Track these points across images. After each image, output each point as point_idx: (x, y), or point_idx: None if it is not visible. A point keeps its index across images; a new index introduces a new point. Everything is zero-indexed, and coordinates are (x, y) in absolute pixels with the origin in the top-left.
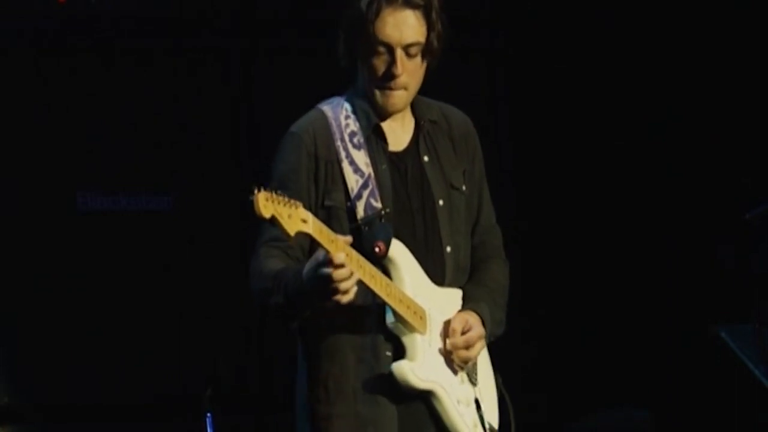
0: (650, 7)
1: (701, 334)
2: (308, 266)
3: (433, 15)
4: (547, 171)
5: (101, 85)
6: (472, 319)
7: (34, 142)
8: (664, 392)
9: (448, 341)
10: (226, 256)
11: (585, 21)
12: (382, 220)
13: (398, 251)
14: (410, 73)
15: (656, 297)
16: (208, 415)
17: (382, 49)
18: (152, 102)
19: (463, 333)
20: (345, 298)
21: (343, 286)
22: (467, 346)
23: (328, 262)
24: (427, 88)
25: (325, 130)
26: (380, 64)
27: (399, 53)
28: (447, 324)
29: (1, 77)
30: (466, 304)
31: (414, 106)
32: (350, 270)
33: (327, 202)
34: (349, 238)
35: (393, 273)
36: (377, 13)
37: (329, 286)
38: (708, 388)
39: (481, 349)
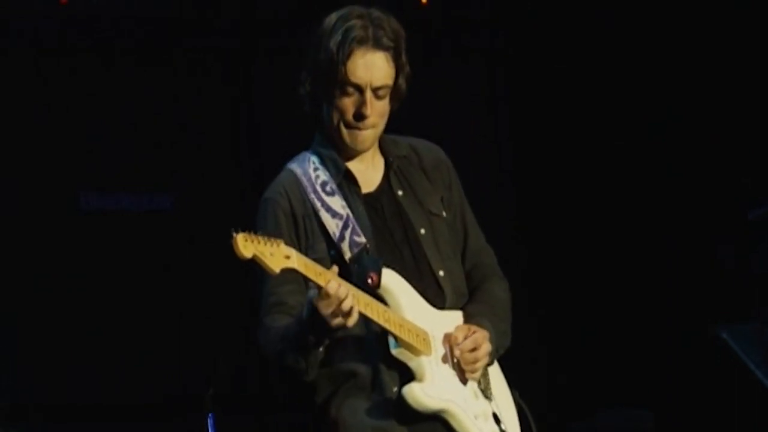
0: (650, 7)
1: (702, 335)
2: (306, 308)
3: (403, 57)
4: (547, 171)
5: (101, 85)
6: (474, 327)
7: (34, 142)
8: (665, 392)
9: (454, 350)
10: (226, 256)
11: (585, 21)
12: (368, 253)
13: (391, 279)
14: (378, 113)
15: (657, 297)
16: (210, 415)
17: (351, 90)
18: (152, 102)
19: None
20: (351, 321)
21: (344, 305)
22: (474, 348)
23: (323, 294)
24: (429, 89)
25: (296, 187)
26: (349, 105)
27: (369, 95)
28: (449, 338)
29: (1, 77)
30: (467, 321)
31: (381, 145)
32: (346, 289)
33: (312, 255)
34: (335, 268)
35: (390, 301)
36: (349, 55)
37: (331, 311)
38: (709, 389)
39: (488, 351)
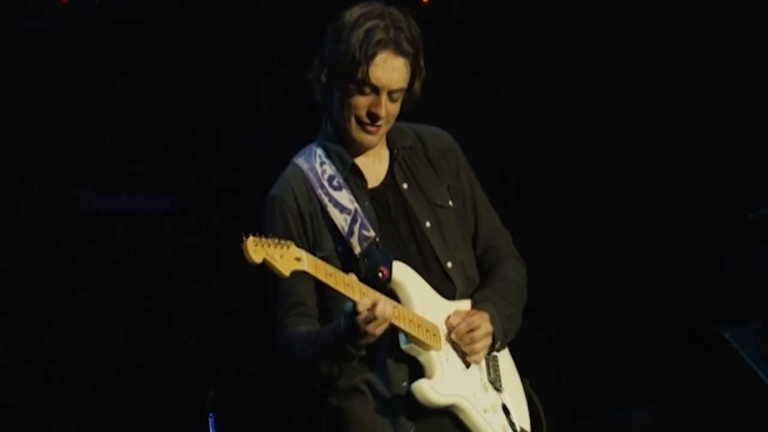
0: (653, 6)
1: (704, 334)
2: (342, 320)
3: (421, 63)
4: (549, 170)
5: (101, 85)
6: (473, 311)
7: (35, 142)
8: (667, 391)
9: (452, 334)
10: (226, 256)
11: (587, 19)
12: (378, 247)
13: (402, 272)
14: (390, 114)
15: (660, 297)
16: (211, 415)
17: (368, 90)
18: (152, 102)
19: None
20: (381, 330)
21: (379, 324)
22: (470, 330)
23: (357, 311)
24: (429, 88)
25: (303, 184)
26: (364, 103)
27: (384, 97)
28: (448, 325)
29: (1, 77)
30: (472, 307)
31: (387, 136)
32: (384, 307)
33: (319, 254)
34: (352, 276)
35: (400, 295)
36: (371, 57)
37: (368, 327)
38: (710, 389)
39: (487, 332)
